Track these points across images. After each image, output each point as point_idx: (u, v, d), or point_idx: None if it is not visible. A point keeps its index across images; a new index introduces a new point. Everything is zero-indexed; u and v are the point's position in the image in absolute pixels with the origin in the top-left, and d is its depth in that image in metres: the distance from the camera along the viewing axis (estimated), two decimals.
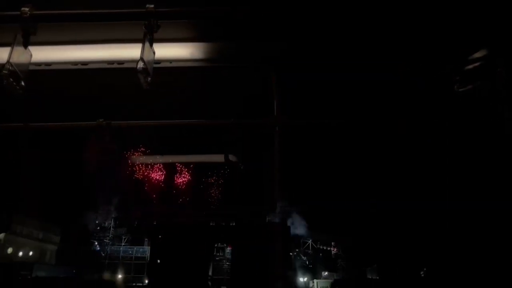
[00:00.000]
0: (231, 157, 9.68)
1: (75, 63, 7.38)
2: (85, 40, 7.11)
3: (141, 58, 5.51)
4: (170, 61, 7.44)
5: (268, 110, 8.26)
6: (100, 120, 7.72)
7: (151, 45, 5.66)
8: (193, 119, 8.05)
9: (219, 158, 9.67)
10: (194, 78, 7.76)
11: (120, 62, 7.51)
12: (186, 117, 8.56)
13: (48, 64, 7.37)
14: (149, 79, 5.85)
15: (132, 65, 5.98)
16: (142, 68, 5.54)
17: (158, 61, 7.06)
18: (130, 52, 6.99)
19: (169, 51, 7.27)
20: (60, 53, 7.23)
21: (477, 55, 6.29)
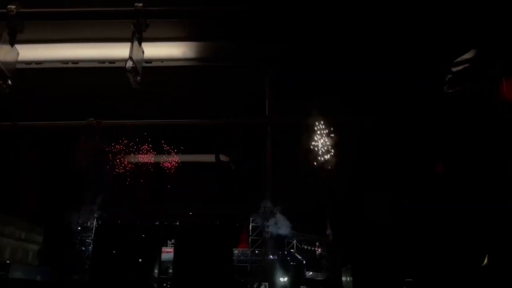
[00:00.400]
0: (222, 157, 9.67)
1: (65, 61, 7.33)
2: (76, 39, 7.06)
3: (130, 57, 5.48)
4: (162, 60, 7.40)
5: (263, 110, 8.26)
6: (91, 119, 7.69)
7: (140, 44, 5.62)
8: (184, 119, 8.02)
9: (210, 158, 9.64)
10: (186, 77, 7.74)
11: (112, 61, 7.47)
12: (178, 117, 8.53)
13: (38, 62, 7.32)
14: (139, 78, 5.82)
15: (124, 64, 5.96)
16: (131, 67, 5.51)
17: (150, 61, 7.02)
18: (121, 51, 6.93)
19: (160, 50, 7.23)
20: (50, 52, 7.18)
21: (473, 55, 6.28)
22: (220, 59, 7.27)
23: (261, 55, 7.09)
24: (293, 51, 6.99)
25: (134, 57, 5.59)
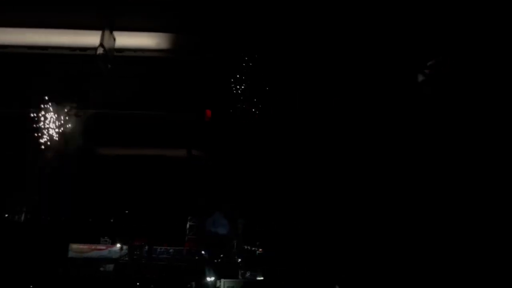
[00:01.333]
0: (195, 152, 9.59)
1: (33, 47, 7.08)
2: (45, 24, 6.84)
3: (101, 44, 5.40)
4: (135, 50, 7.28)
5: (234, 104, 8.23)
6: (59, 107, 7.48)
7: (111, 32, 5.54)
8: (155, 110, 7.93)
9: (181, 152, 9.51)
10: (159, 69, 7.63)
11: (83, 49, 7.28)
12: (150, 108, 8.43)
13: (4, 47, 7.05)
14: (109, 65, 5.74)
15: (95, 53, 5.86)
16: (102, 54, 5.42)
17: (122, 50, 6.90)
18: (93, 39, 6.79)
19: (133, 40, 7.09)
20: (17, 37, 6.92)
21: (443, 59, 6.46)
22: (194, 52, 7.21)
23: (236, 48, 7.08)
24: (270, 45, 7.02)
25: (105, 45, 5.50)
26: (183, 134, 9.02)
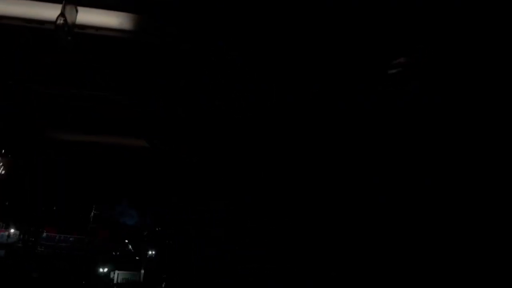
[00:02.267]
0: (157, 141, 9.33)
1: None
2: None
3: (62, 13, 5.14)
4: (97, 28, 6.99)
5: (199, 94, 8.10)
6: (10, 82, 7.04)
7: (74, 3, 5.29)
8: (115, 94, 7.64)
9: (142, 142, 9.20)
10: (122, 50, 7.37)
11: (40, 22, 6.90)
12: (110, 91, 8.12)
13: None
14: (70, 38, 5.48)
15: (53, 27, 5.57)
16: (62, 23, 5.16)
17: (83, 27, 6.61)
18: (52, 12, 6.45)
19: (96, 18, 6.82)
20: None
21: (408, 60, 6.60)
22: (160, 35, 7.02)
23: (203, 37, 6.98)
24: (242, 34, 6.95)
25: (67, 15, 5.25)
26: (143, 122, 8.75)
